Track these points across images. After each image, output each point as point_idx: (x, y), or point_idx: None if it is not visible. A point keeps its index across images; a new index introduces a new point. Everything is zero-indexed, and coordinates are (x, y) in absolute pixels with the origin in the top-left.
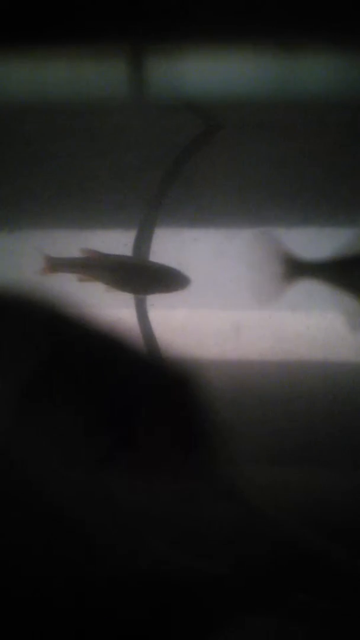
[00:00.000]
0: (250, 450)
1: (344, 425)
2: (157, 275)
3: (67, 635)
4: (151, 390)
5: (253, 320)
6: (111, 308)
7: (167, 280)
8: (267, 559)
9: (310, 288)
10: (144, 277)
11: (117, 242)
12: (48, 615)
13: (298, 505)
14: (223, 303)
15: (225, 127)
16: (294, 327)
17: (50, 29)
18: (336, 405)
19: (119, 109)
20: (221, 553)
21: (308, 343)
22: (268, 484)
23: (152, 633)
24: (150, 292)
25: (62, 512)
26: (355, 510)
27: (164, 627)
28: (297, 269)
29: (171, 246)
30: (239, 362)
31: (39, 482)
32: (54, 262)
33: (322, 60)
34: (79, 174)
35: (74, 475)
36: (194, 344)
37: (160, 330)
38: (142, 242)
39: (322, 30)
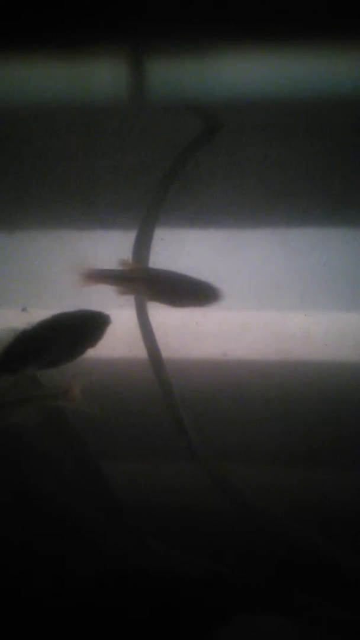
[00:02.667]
0: (251, 450)
1: (344, 425)
2: (191, 289)
3: (67, 635)
4: None
5: (253, 320)
6: (111, 308)
7: (200, 294)
8: (267, 558)
9: (309, 288)
10: (180, 291)
11: (117, 242)
12: (47, 615)
13: (298, 505)
14: (223, 303)
15: (225, 128)
16: (293, 327)
17: (50, 30)
18: (336, 405)
19: (119, 110)
20: (221, 553)
21: (308, 343)
22: (268, 484)
23: (152, 632)
24: (184, 306)
25: (63, 513)
26: (355, 510)
27: (164, 627)
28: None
29: (171, 246)
30: (238, 362)
31: (38, 483)
32: (94, 274)
33: (322, 61)
34: (79, 174)
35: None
36: (194, 344)
37: (160, 330)
38: (142, 242)
39: (322, 31)
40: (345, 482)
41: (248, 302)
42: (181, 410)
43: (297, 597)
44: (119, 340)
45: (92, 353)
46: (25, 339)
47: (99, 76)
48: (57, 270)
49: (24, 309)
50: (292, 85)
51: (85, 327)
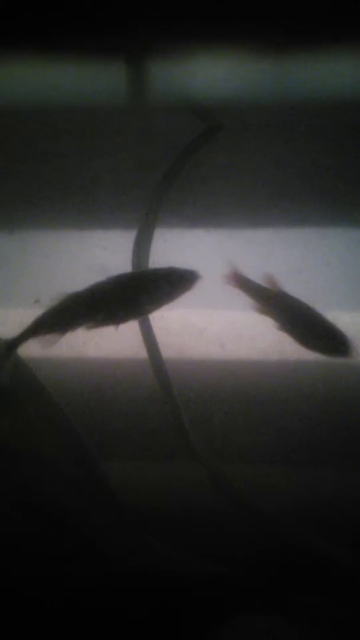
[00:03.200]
0: (251, 450)
1: (344, 425)
2: (326, 336)
3: (67, 635)
4: None
5: (254, 319)
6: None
7: (333, 345)
8: (267, 558)
9: (311, 288)
10: (313, 333)
11: (117, 242)
12: (47, 615)
13: (298, 505)
14: (223, 303)
15: (225, 128)
16: None
17: (49, 30)
18: (336, 405)
19: (119, 110)
20: (221, 553)
21: None
22: (268, 484)
23: (152, 632)
24: (313, 349)
25: (63, 513)
26: (355, 511)
27: (164, 627)
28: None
29: (171, 246)
30: (238, 362)
31: (38, 483)
32: (237, 278)
33: (322, 61)
34: (79, 174)
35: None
36: (194, 344)
37: (160, 331)
38: (142, 242)
39: (322, 31)
40: (345, 482)
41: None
42: (181, 410)
43: (297, 597)
44: (119, 340)
45: (92, 353)
46: (74, 301)
47: (99, 76)
48: (58, 270)
49: (36, 301)
50: (291, 85)
51: (148, 285)
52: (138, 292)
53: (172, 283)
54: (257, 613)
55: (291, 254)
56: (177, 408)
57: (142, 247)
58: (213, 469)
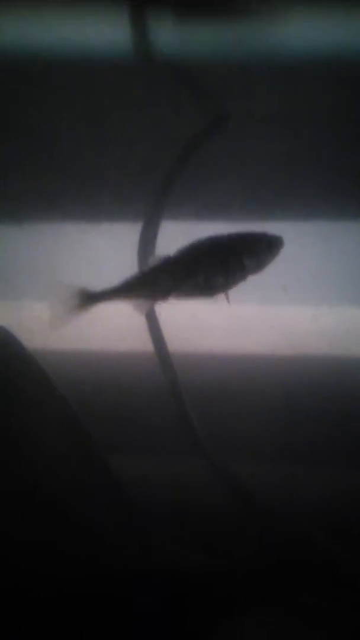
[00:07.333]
0: (258, 445)
1: (354, 421)
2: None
3: (70, 632)
4: None
5: (262, 314)
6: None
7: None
8: (270, 556)
9: (317, 282)
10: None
11: (123, 235)
12: (50, 612)
13: (303, 502)
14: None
15: (231, 120)
16: (300, 322)
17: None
18: (342, 400)
19: (124, 103)
20: (221, 552)
21: (315, 338)
22: (275, 480)
23: (154, 630)
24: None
25: (69, 511)
26: (355, 511)
27: (166, 625)
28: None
29: (177, 240)
30: (244, 358)
31: (42, 477)
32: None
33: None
34: (84, 167)
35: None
36: (201, 338)
37: (167, 326)
38: (148, 235)
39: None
40: (355, 480)
41: (257, 296)
42: (187, 404)
43: (299, 597)
44: (125, 334)
45: (98, 346)
46: (168, 265)
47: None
48: (64, 262)
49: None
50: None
51: (245, 249)
52: (242, 254)
53: (270, 245)
54: (258, 612)
55: (299, 247)
56: (183, 402)
57: (147, 240)
58: (219, 465)
